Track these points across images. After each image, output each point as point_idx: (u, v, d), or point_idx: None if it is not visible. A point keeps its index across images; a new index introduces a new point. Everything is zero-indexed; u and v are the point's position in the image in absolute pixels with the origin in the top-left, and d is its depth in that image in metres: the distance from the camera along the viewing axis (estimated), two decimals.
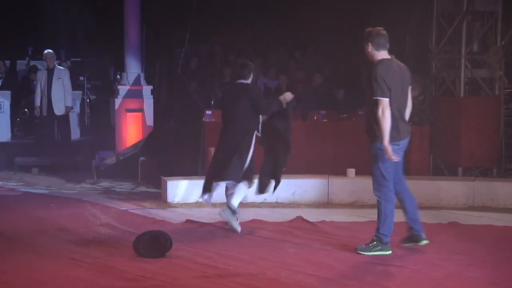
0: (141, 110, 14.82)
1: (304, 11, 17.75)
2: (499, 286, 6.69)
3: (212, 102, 13.96)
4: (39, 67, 15.39)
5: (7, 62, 16.96)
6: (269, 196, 10.59)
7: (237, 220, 8.74)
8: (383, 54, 7.67)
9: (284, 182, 10.85)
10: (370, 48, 7.64)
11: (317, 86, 15.20)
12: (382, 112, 7.45)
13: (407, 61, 8.64)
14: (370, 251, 7.69)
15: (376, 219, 9.16)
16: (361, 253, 7.68)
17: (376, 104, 7.48)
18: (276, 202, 10.76)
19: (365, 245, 7.77)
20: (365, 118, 8.07)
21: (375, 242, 7.75)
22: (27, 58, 17.50)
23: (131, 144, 14.18)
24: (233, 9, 17.90)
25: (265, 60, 16.78)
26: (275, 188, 9.14)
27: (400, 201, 8.01)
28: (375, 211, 9.89)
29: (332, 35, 17.50)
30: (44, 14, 17.94)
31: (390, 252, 7.73)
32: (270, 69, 15.81)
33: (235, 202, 8.77)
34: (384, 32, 7.71)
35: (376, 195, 7.88)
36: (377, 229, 7.81)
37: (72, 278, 6.67)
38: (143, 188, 12.19)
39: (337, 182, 10.97)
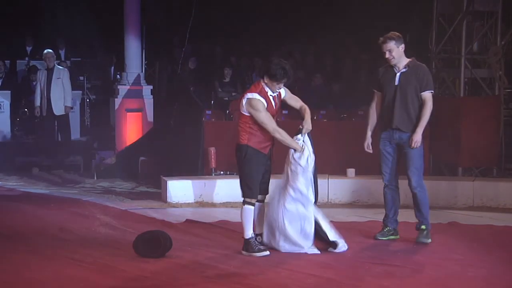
0: (141, 110, 14.83)
1: (304, 11, 17.77)
2: (499, 286, 6.68)
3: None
4: (39, 67, 15.39)
5: (7, 62, 16.97)
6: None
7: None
8: None
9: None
10: (403, 48, 8.14)
11: (317, 86, 15.23)
12: (431, 104, 8.09)
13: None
14: (429, 238, 8.18)
15: (376, 219, 9.17)
16: (425, 241, 8.12)
17: (428, 97, 8.09)
18: None
19: (422, 235, 8.18)
20: (393, 112, 8.21)
21: (427, 230, 8.21)
22: (26, 58, 17.51)
23: (131, 144, 14.17)
24: (233, 9, 17.92)
25: (265, 60, 16.76)
26: None
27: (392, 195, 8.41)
28: (375, 211, 9.93)
29: (332, 35, 17.51)
30: (44, 14, 17.93)
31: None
32: None
33: None
34: None
35: (416, 187, 8.20)
36: (425, 218, 8.22)
37: (72, 278, 6.66)
38: (143, 188, 12.18)
39: (337, 182, 10.96)
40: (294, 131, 7.76)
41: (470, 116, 11.91)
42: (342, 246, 7.75)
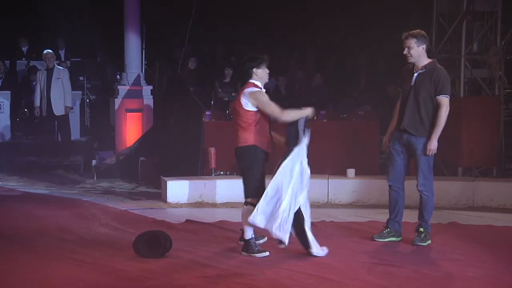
0: (141, 110, 14.83)
1: (304, 11, 17.78)
2: (499, 286, 6.69)
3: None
4: (39, 67, 15.39)
5: (7, 62, 16.97)
6: None
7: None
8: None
9: None
10: (424, 49, 7.97)
11: (317, 86, 15.24)
12: (446, 109, 7.93)
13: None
14: (427, 241, 8.07)
15: (376, 219, 9.16)
16: (421, 244, 8.01)
17: (443, 101, 7.92)
18: None
19: (419, 237, 8.07)
20: (404, 113, 8.08)
21: (426, 233, 8.10)
22: (23, 58, 17.52)
23: (131, 144, 14.17)
24: (233, 9, 17.93)
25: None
26: None
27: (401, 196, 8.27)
28: (375, 211, 9.94)
29: (332, 34, 17.52)
30: (44, 14, 17.93)
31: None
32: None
33: None
34: None
35: (421, 190, 8.11)
36: (425, 221, 8.13)
37: (72, 278, 6.67)
38: (143, 188, 12.18)
39: (337, 182, 10.97)
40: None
41: (470, 116, 11.90)
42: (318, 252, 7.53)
